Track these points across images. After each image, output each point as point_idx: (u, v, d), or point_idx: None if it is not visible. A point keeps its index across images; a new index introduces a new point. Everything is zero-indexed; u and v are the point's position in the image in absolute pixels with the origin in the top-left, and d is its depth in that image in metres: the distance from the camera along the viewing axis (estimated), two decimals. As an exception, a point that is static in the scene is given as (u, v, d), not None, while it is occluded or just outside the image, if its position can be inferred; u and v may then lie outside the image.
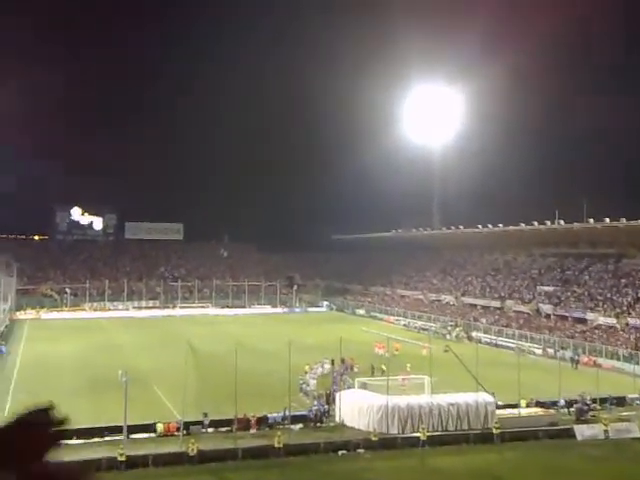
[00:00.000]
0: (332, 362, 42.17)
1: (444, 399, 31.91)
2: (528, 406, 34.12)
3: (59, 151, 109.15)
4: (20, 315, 79.41)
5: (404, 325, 76.47)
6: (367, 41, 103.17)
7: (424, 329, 69.06)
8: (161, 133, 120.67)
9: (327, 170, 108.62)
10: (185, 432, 29.45)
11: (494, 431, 30.35)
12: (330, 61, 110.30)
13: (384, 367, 37.28)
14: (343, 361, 42.36)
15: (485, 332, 64.95)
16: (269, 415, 31.68)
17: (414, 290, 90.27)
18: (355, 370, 42.99)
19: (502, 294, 74.73)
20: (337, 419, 32.26)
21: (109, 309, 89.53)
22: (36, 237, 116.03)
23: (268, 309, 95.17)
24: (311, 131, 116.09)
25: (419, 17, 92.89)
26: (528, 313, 67.75)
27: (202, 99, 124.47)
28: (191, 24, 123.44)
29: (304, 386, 37.44)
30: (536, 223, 73.10)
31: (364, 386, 35.05)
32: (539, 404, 34.69)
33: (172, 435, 29.64)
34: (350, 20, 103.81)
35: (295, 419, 31.73)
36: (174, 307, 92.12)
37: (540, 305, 67.95)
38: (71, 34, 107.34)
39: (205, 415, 30.58)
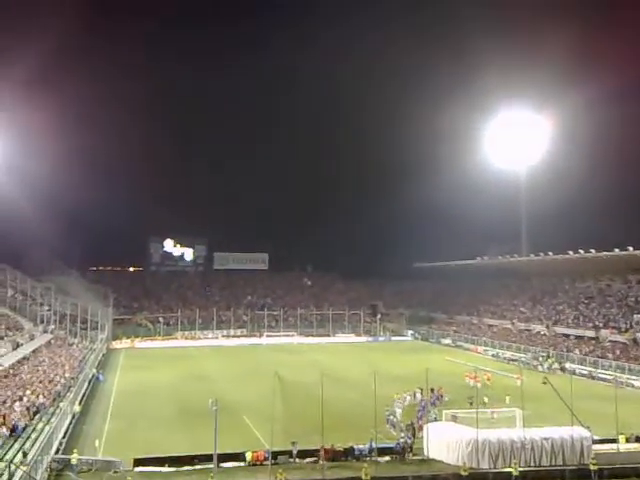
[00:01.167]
0: (421, 391, 41.66)
1: (537, 433, 30.79)
2: (628, 441, 32.31)
3: (152, 186, 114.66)
4: (116, 344, 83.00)
5: (492, 355, 74.42)
6: (451, 67, 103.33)
7: (514, 360, 67.01)
8: (246, 168, 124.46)
9: (409, 197, 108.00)
10: (273, 461, 29.83)
11: (591, 467, 28.95)
12: (414, 86, 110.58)
13: (486, 399, 36.45)
14: (432, 391, 41.83)
15: (580, 363, 62.23)
16: (355, 446, 31.58)
17: (502, 319, 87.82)
18: (445, 399, 42.37)
19: (596, 323, 71.46)
20: (425, 452, 31.73)
21: (199, 337, 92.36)
22: (131, 268, 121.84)
23: (352, 338, 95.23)
24: (394, 157, 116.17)
25: (505, 41, 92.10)
26: (625, 343, 64.41)
27: (285, 133, 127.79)
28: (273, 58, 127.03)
29: (390, 417, 37.12)
30: (631, 248, 69.71)
31: (453, 418, 34.36)
32: (640, 440, 32.84)
33: (261, 464, 30.08)
34: (434, 43, 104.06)
35: (382, 451, 31.48)
36: (260, 335, 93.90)
37: (638, 334, 64.50)
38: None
39: (294, 443, 30.85)
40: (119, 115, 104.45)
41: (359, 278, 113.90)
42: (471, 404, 37.98)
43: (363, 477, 27.56)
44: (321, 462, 29.96)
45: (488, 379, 50.63)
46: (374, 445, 31.38)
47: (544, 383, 40.52)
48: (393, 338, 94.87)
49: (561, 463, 29.93)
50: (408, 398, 42.61)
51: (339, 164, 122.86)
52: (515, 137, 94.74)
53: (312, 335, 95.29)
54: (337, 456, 30.90)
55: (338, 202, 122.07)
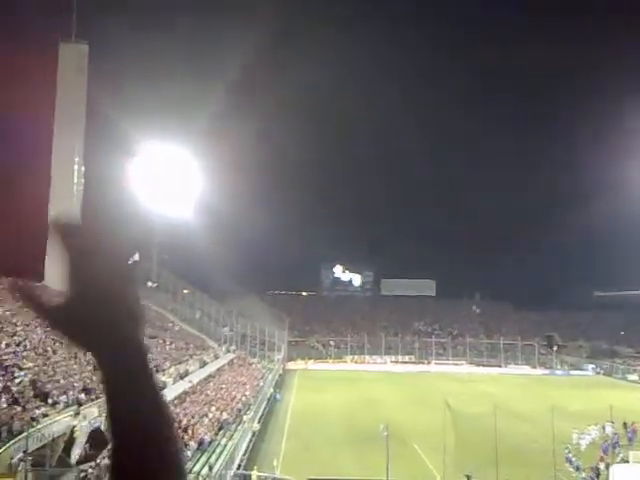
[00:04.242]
0: (612, 424, 38.58)
1: None
2: None
3: (324, 215, 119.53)
4: (291, 365, 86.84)
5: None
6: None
7: None
8: (414, 196, 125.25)
9: (589, 220, 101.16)
10: (445, 493, 29.57)
11: None
12: (597, 105, 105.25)
13: None
14: (625, 425, 38.79)
15: None
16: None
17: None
18: None
19: None
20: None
21: (368, 362, 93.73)
22: (304, 293, 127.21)
23: (526, 369, 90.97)
24: (570, 177, 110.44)
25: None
26: None
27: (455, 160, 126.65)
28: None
29: (570, 456, 35.05)
30: None
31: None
32: None
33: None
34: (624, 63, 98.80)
35: (561, 491, 29.95)
36: (429, 363, 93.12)
37: None
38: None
39: (468, 478, 30.29)
40: (295, 150, 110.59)
41: (532, 307, 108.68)
42: None
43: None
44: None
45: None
46: (552, 484, 29.98)
47: None
48: (572, 372, 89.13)
49: None
50: (595, 433, 39.75)
51: (510, 188, 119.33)
52: None
53: (483, 365, 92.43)
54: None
55: (507, 226, 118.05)
